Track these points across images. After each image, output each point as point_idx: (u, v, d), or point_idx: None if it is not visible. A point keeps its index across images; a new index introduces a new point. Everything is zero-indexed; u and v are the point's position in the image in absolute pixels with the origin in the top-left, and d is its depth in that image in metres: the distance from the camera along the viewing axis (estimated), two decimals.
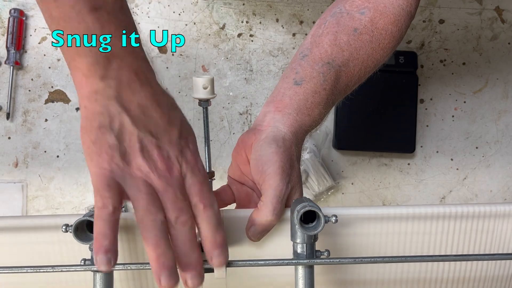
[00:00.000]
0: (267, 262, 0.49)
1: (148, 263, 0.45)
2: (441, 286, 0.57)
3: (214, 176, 0.56)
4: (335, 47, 0.59)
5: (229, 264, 0.48)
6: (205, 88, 0.56)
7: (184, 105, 1.04)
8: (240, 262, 0.49)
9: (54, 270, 0.47)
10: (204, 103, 0.56)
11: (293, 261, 0.49)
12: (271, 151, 0.53)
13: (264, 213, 0.50)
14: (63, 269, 0.48)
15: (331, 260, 0.50)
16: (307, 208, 0.47)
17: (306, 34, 1.04)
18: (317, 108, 0.57)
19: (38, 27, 1.02)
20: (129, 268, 0.48)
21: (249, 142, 0.56)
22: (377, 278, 0.56)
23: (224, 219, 0.51)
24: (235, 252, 0.52)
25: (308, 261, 0.49)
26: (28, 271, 0.47)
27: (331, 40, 0.60)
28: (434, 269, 0.56)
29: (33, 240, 0.53)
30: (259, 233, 0.51)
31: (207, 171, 0.55)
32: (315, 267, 0.51)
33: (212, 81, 0.55)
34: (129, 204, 1.01)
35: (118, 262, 0.43)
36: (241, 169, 0.58)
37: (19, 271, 0.47)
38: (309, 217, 0.49)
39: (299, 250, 0.50)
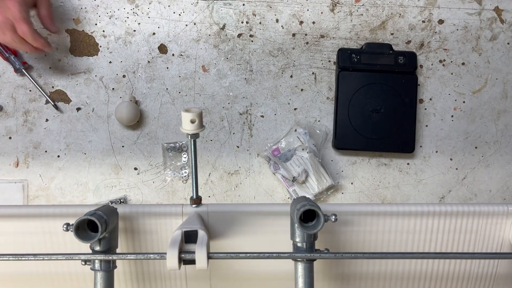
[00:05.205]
0: (247, 255, 0.51)
1: (149, 253, 0.49)
2: (430, 282, 0.57)
3: (201, 202, 0.57)
4: None
5: (210, 256, 0.49)
6: (193, 122, 0.55)
7: (184, 105, 1.05)
8: (221, 254, 0.50)
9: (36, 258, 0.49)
10: (193, 136, 0.56)
11: (286, 255, 0.50)
12: None
13: None
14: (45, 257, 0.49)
15: (329, 255, 0.50)
16: (307, 207, 0.48)
17: (306, 35, 1.04)
18: None
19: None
20: (128, 258, 0.49)
21: None
22: (379, 272, 0.56)
23: (209, 213, 0.56)
24: (219, 245, 0.55)
25: (294, 254, 0.49)
26: (11, 259, 0.49)
27: None
28: (428, 265, 0.56)
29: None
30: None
31: (194, 197, 0.56)
32: (315, 265, 0.51)
33: (200, 115, 0.55)
34: (129, 198, 1.01)
35: (119, 251, 0.46)
36: None
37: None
38: (308, 216, 0.49)
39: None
